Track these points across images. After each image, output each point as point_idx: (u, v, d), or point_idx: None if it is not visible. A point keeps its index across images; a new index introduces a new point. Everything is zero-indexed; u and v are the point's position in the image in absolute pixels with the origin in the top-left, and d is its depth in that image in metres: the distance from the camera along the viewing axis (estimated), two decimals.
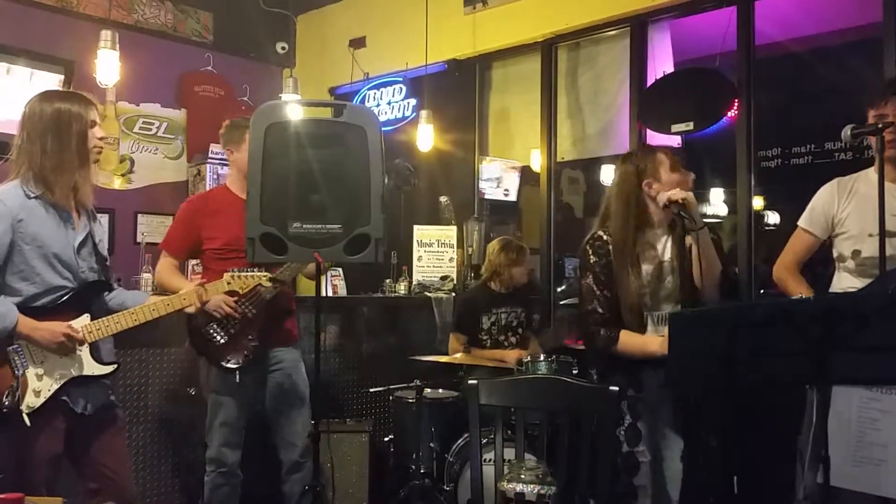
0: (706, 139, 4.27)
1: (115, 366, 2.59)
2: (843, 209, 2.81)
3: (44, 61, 5.02)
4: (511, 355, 4.01)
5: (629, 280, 2.61)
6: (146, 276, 4.37)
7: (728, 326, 1.79)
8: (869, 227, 2.70)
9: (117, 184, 5.57)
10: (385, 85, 5.84)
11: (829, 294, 2.82)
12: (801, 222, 2.92)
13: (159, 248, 3.46)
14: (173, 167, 5.90)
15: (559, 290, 5.12)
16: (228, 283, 2.80)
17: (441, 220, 5.29)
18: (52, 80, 4.96)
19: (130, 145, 5.67)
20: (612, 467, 2.41)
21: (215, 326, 3.18)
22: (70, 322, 2.46)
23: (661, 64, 4.62)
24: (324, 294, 3.32)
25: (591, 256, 2.71)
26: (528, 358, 3.70)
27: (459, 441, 3.72)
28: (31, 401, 2.39)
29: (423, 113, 5.21)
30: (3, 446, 2.38)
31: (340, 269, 5.06)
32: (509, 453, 2.52)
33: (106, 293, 2.66)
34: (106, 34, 4.28)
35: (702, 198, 4.83)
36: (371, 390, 4.00)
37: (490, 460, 2.90)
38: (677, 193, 2.50)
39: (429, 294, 4.88)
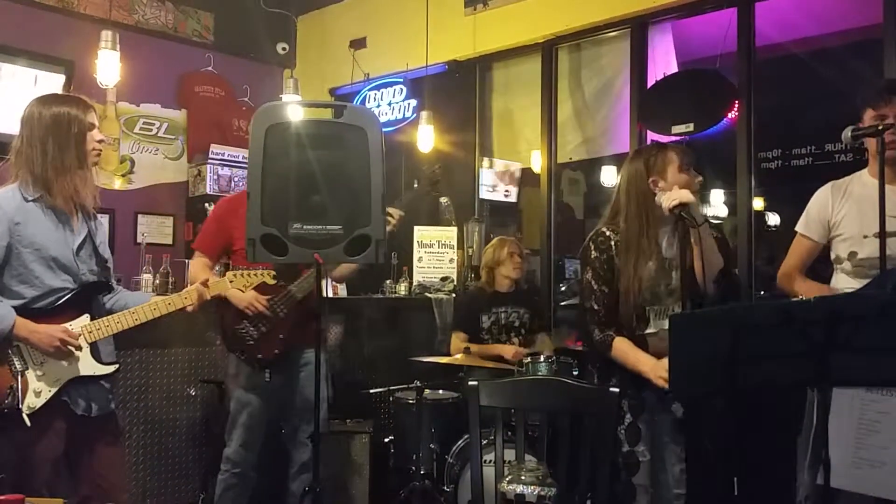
0: (707, 140, 4.27)
1: (116, 366, 2.59)
2: (839, 212, 2.80)
3: (44, 61, 5.03)
4: (508, 349, 4.02)
5: (632, 275, 2.61)
6: (146, 276, 4.37)
7: (728, 328, 1.79)
8: (865, 228, 2.69)
9: (117, 184, 5.58)
10: (385, 86, 5.85)
11: (828, 295, 2.82)
12: (799, 228, 2.92)
13: (192, 247, 3.53)
14: (174, 168, 5.91)
15: (561, 289, 5.12)
16: (231, 282, 2.81)
17: (441, 220, 5.29)
18: (54, 81, 4.97)
19: (131, 146, 5.68)
20: (612, 468, 2.41)
21: (247, 324, 3.23)
22: (69, 323, 2.47)
23: (664, 65, 4.62)
24: (325, 295, 3.33)
25: (593, 251, 2.71)
26: (529, 359, 3.71)
27: (460, 442, 3.72)
28: (31, 401, 2.39)
29: (424, 114, 5.22)
30: (4, 447, 2.37)
31: None
32: (509, 454, 2.53)
33: (106, 294, 2.66)
34: (106, 34, 4.29)
35: (702, 199, 4.83)
36: (371, 391, 4.00)
37: (490, 461, 2.90)
38: (674, 200, 2.48)
39: (429, 295, 4.88)
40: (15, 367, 2.39)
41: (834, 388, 2.16)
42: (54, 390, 2.44)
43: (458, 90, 5.50)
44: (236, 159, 5.74)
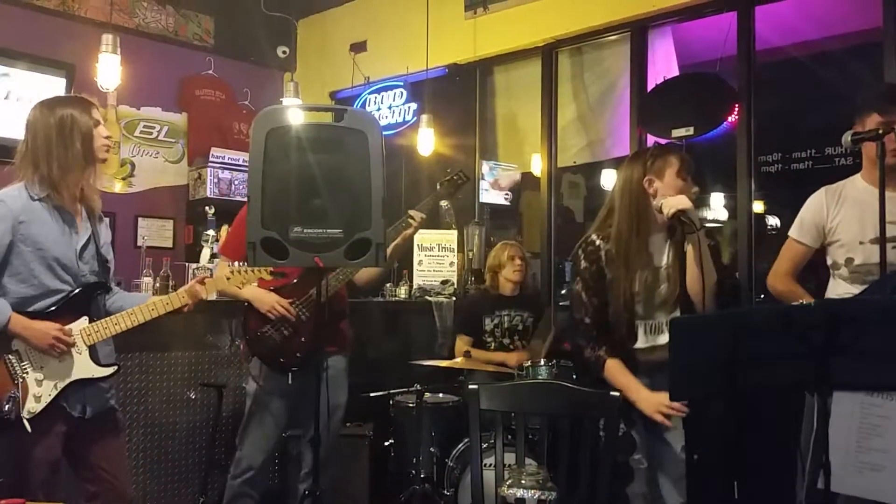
0: (707, 144, 4.27)
1: (115, 368, 2.59)
2: (834, 217, 2.78)
3: (45, 65, 5.04)
4: (512, 358, 4.01)
5: (621, 287, 2.55)
6: (146, 280, 4.37)
7: (729, 332, 1.79)
8: (860, 234, 2.69)
9: (118, 187, 5.58)
10: (386, 89, 5.86)
11: (828, 299, 2.81)
12: (792, 233, 2.89)
13: (218, 252, 3.56)
14: (174, 171, 5.91)
15: (562, 293, 5.11)
16: (228, 278, 2.80)
17: (442, 224, 5.29)
18: (55, 85, 4.97)
19: (131, 149, 5.68)
20: (613, 472, 2.40)
21: (269, 328, 3.21)
22: (69, 326, 2.46)
23: (664, 68, 4.62)
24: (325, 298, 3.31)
25: (582, 262, 2.65)
26: (529, 362, 3.71)
27: (460, 446, 3.72)
28: (31, 406, 2.39)
29: (424, 117, 5.22)
30: (3, 451, 2.37)
31: None
32: (510, 458, 2.52)
33: (105, 295, 2.66)
34: (107, 38, 4.29)
35: (702, 202, 4.84)
36: (371, 394, 3.99)
37: (490, 465, 2.89)
38: (673, 207, 2.40)
39: (429, 298, 4.88)
40: (15, 372, 2.39)
41: (834, 391, 2.16)
42: (54, 394, 2.43)
43: (459, 94, 5.51)
44: (237, 163, 5.75)
